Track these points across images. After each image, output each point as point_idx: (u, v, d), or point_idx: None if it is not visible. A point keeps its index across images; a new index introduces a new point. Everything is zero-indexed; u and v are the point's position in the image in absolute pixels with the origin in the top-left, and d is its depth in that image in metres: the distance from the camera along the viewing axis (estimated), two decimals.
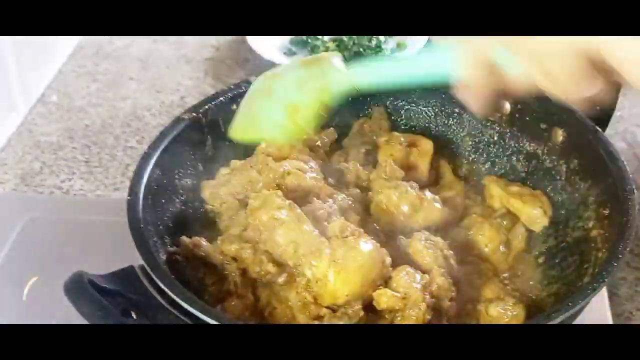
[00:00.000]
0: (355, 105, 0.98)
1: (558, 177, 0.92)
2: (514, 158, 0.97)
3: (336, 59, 0.84)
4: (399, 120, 1.02)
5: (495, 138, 0.99)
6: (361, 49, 1.35)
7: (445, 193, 0.92)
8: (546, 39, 0.65)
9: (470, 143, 1.00)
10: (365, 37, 1.36)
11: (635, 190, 0.80)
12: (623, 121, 1.22)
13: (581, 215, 0.87)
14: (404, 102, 1.02)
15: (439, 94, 1.00)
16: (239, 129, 0.89)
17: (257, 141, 0.87)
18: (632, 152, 1.17)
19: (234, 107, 0.96)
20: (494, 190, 0.92)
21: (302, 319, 0.74)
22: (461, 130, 1.00)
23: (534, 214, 0.89)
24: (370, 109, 1.01)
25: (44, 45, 1.34)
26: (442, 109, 1.01)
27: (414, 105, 1.02)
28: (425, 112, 1.02)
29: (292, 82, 0.83)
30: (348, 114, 0.98)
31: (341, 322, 0.74)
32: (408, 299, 0.74)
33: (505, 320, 0.79)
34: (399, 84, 0.84)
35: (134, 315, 0.72)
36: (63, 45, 1.42)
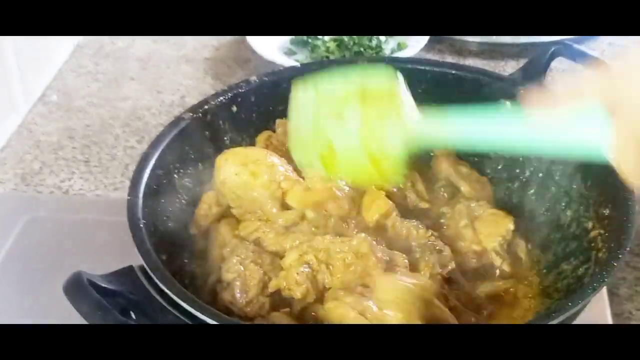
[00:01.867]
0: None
1: (558, 177, 0.92)
2: (514, 157, 0.97)
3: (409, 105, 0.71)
4: None
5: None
6: (361, 49, 1.35)
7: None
8: None
9: None
10: (366, 37, 1.35)
11: (635, 191, 0.80)
12: None
13: (581, 215, 0.87)
14: None
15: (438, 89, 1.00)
16: (305, 151, 0.78)
17: (329, 173, 0.76)
18: None
19: (234, 108, 0.96)
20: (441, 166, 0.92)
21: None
22: None
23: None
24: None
25: (44, 45, 1.34)
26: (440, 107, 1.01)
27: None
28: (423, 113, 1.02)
29: (366, 117, 0.70)
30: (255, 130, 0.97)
31: None
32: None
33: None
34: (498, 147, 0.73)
35: (133, 315, 0.72)
36: (63, 45, 1.42)
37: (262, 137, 0.95)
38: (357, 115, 0.69)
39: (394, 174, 0.72)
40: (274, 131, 0.97)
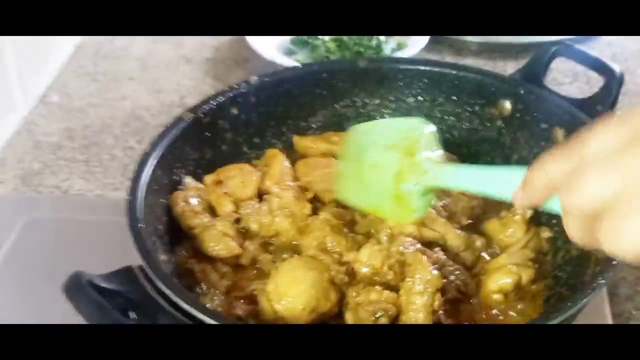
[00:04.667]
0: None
1: None
2: (514, 157, 0.97)
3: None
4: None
5: (495, 137, 0.99)
6: (361, 49, 1.35)
7: None
8: None
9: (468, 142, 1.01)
10: (366, 37, 1.35)
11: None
12: None
13: None
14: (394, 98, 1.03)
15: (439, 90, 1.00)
16: (348, 193, 0.86)
17: (368, 212, 0.86)
18: None
19: (234, 108, 0.96)
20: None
21: None
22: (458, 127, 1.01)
23: None
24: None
25: (44, 45, 1.34)
26: (441, 107, 1.01)
27: (407, 108, 1.02)
28: (424, 113, 1.02)
29: (409, 163, 0.78)
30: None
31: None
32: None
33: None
34: None
35: (132, 315, 0.71)
36: (63, 45, 1.42)
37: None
38: (396, 161, 0.79)
39: (412, 212, 0.80)
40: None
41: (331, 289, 0.79)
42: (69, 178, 1.14)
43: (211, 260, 0.86)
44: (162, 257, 0.80)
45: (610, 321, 0.90)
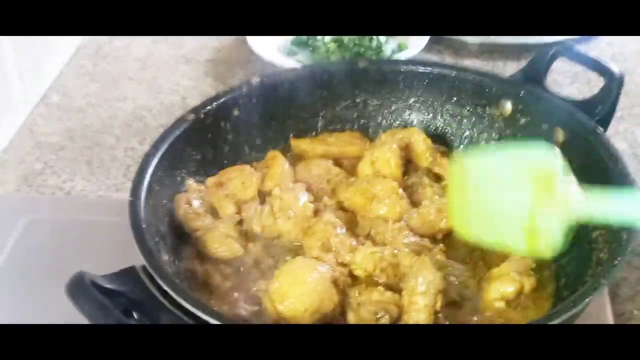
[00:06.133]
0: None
1: None
2: None
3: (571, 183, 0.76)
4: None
5: (496, 138, 0.99)
6: (362, 50, 1.35)
7: None
8: None
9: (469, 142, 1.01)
10: (366, 37, 1.36)
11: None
12: (623, 121, 1.22)
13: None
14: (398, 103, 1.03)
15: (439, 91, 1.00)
16: (470, 228, 0.81)
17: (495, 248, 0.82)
18: (632, 152, 1.17)
19: (235, 109, 0.96)
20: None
21: None
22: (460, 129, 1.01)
23: None
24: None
25: (44, 46, 1.34)
26: (442, 108, 1.02)
27: (407, 109, 1.03)
28: (425, 114, 1.02)
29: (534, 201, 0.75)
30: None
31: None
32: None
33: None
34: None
35: (135, 315, 0.72)
36: (63, 46, 1.42)
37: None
38: (528, 192, 0.74)
39: (546, 248, 0.76)
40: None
41: (334, 290, 0.79)
42: (71, 179, 1.14)
43: (214, 261, 0.86)
44: (165, 257, 0.80)
45: (611, 321, 0.90)
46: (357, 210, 0.91)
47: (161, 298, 0.73)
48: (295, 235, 0.88)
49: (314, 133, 1.03)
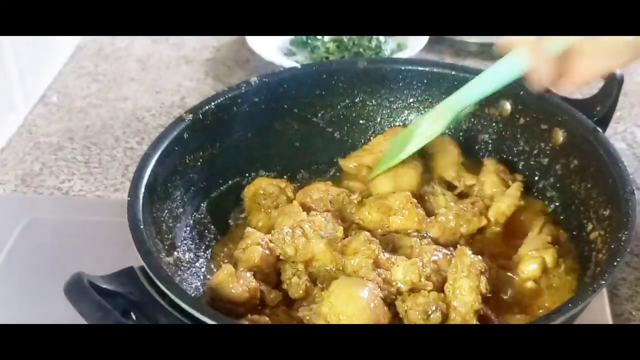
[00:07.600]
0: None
1: (558, 177, 0.92)
2: (514, 160, 0.97)
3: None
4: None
5: (495, 138, 0.99)
6: (361, 50, 1.35)
7: None
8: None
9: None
10: (366, 37, 1.36)
11: (635, 191, 0.80)
12: (623, 121, 1.22)
13: (581, 216, 0.87)
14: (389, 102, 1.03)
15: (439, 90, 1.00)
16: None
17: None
18: (632, 152, 1.17)
19: (235, 109, 0.96)
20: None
21: None
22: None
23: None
24: None
25: (44, 46, 1.34)
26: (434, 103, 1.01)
27: (407, 108, 1.03)
28: (424, 114, 1.02)
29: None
30: None
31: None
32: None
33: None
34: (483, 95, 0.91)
35: (133, 316, 0.72)
36: (63, 46, 1.42)
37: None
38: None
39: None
40: None
41: (384, 305, 0.78)
42: (70, 179, 1.14)
43: None
44: (163, 258, 0.80)
45: (610, 321, 0.90)
46: (374, 227, 0.90)
47: (159, 299, 0.72)
48: (330, 256, 0.84)
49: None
